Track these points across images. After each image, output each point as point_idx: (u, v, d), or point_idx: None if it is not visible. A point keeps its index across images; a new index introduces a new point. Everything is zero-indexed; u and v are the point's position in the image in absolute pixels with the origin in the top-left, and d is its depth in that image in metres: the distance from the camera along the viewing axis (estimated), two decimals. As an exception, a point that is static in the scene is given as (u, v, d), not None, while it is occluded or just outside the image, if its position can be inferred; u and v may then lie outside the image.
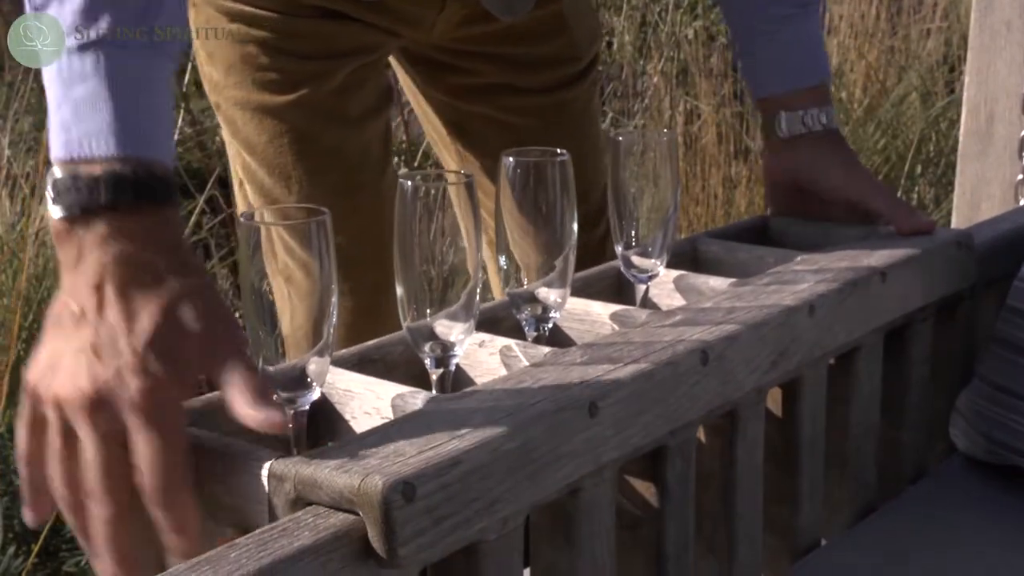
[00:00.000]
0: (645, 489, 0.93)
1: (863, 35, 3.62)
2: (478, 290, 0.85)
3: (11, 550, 1.77)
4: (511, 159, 0.92)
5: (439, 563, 0.78)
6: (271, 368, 0.76)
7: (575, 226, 0.94)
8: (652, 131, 1.03)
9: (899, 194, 3.19)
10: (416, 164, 3.25)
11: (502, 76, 1.36)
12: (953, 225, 1.79)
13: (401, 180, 0.82)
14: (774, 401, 1.06)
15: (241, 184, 1.36)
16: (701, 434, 0.99)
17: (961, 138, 1.75)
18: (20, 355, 2.30)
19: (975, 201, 1.77)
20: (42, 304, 2.38)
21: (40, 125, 3.34)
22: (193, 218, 2.75)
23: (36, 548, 1.77)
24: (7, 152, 2.77)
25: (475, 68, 1.36)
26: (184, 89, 3.20)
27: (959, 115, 1.78)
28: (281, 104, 1.26)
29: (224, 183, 2.84)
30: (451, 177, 0.84)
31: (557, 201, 0.92)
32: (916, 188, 3.26)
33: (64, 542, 1.83)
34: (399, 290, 0.83)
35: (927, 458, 1.24)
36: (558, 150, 0.94)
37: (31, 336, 2.34)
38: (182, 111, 3.07)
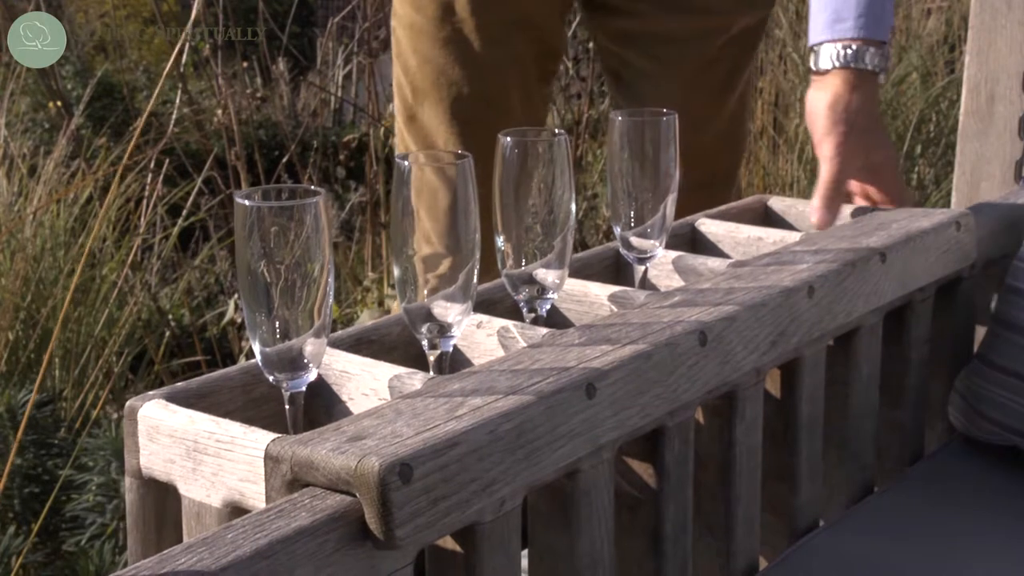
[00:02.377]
0: (644, 470, 0.93)
1: (864, 14, 3.60)
2: (476, 270, 0.85)
3: (11, 529, 1.77)
4: (507, 138, 0.91)
5: (436, 544, 0.78)
6: (268, 349, 0.76)
7: (573, 206, 0.93)
8: (652, 111, 1.02)
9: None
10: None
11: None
12: (953, 205, 1.79)
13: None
14: (773, 382, 1.05)
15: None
16: (700, 415, 0.99)
17: (961, 118, 1.73)
18: (19, 335, 2.29)
19: (975, 181, 1.76)
20: (40, 284, 2.37)
21: (36, 106, 3.33)
22: (191, 199, 2.74)
23: (36, 528, 1.77)
24: (4, 132, 2.76)
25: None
26: (182, 70, 3.19)
27: (959, 95, 1.77)
28: None
29: (222, 164, 2.83)
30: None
31: (555, 180, 0.92)
32: (916, 168, 3.25)
33: (64, 522, 1.83)
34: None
35: (926, 439, 1.24)
36: (555, 129, 0.93)
37: (29, 316, 2.33)
38: (180, 92, 3.06)
